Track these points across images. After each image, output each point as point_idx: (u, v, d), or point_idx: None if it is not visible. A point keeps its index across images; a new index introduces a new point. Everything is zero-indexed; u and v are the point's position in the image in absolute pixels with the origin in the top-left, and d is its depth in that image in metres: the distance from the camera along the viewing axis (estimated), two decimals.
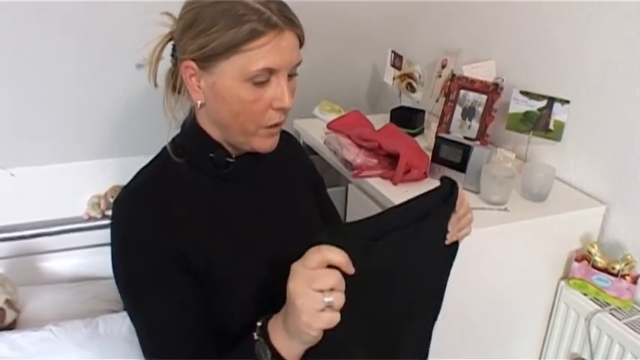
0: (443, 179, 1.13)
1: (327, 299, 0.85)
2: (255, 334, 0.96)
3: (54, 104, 2.20)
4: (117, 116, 2.31)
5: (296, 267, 0.88)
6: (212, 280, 1.09)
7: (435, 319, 1.28)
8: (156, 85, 1.11)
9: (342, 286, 0.87)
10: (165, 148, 1.14)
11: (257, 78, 1.01)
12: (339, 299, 0.86)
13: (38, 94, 2.15)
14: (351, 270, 0.88)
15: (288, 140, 1.33)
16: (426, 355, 1.32)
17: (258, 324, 0.97)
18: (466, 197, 1.16)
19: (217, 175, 1.14)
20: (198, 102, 1.07)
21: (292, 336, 0.91)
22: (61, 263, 2.44)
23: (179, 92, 1.12)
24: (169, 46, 1.10)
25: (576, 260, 1.74)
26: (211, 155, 1.12)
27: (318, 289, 0.85)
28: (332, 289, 0.85)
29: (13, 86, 2.08)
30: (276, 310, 0.96)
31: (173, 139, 1.15)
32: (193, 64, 1.03)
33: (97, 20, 2.01)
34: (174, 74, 1.11)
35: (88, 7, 1.96)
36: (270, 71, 1.02)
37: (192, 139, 1.14)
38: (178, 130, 1.16)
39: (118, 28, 1.99)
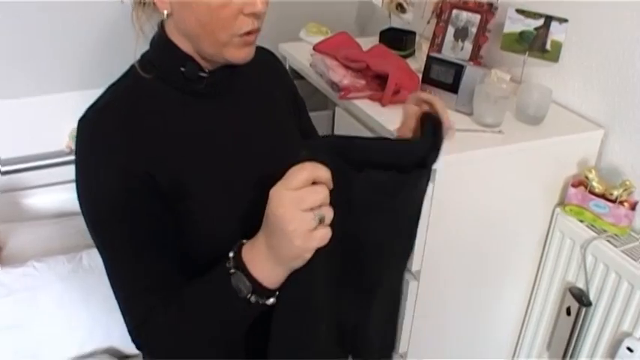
0: (425, 117, 1.08)
1: (318, 215, 0.82)
2: (230, 267, 0.90)
3: (30, 35, 2.11)
4: (97, 45, 2.22)
5: (279, 191, 0.83)
6: (183, 203, 1.02)
7: (405, 264, 1.21)
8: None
9: (328, 199, 0.83)
10: (132, 66, 1.05)
11: None
12: (329, 212, 0.83)
13: (14, 24, 2.07)
14: (331, 185, 0.84)
15: (268, 57, 1.26)
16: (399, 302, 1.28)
17: (231, 255, 0.90)
18: (451, 120, 1.10)
19: (189, 90, 1.06)
20: (165, 12, 0.99)
21: (280, 263, 0.86)
22: (44, 199, 2.38)
23: (146, 4, 1.03)
24: None
25: (573, 186, 1.67)
26: (182, 69, 1.04)
27: (307, 208, 0.81)
28: (320, 205, 0.82)
29: None
30: (246, 237, 0.91)
31: (142, 55, 1.07)
32: None
33: None
34: None
35: None
36: None
37: (161, 52, 1.06)
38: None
39: None
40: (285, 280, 0.90)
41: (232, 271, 0.89)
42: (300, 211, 0.81)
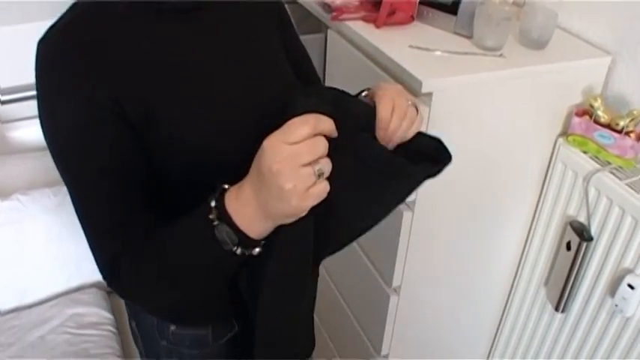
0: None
1: (317, 170, 0.77)
2: (213, 218, 0.82)
3: None
4: None
5: (276, 145, 0.76)
6: (153, 133, 0.93)
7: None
8: None
9: (327, 150, 0.78)
10: None
11: None
12: (327, 165, 0.79)
13: None
14: (335, 134, 0.80)
15: None
16: None
17: (212, 204, 0.83)
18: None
19: (159, 7, 0.95)
20: None
21: (271, 219, 0.81)
22: (29, 132, 2.30)
23: None
24: None
25: (577, 115, 1.58)
26: None
27: (306, 163, 0.76)
28: (318, 158, 0.77)
29: None
30: (224, 174, 0.85)
31: None
32: None
33: None
34: None
35: None
36: None
37: None
38: None
39: None
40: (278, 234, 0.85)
41: (216, 222, 0.83)
42: (298, 168, 0.75)
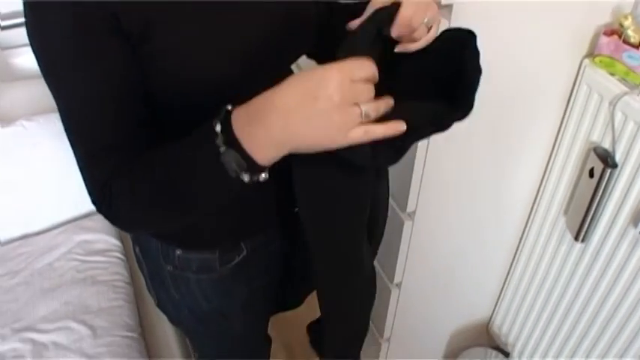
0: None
1: (365, 112, 0.75)
2: (220, 144, 0.76)
3: None
4: None
5: (338, 75, 0.73)
6: (151, 45, 0.86)
7: None
8: None
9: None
10: None
11: None
12: (375, 110, 0.77)
13: None
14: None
15: None
16: None
17: (218, 128, 0.77)
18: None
19: None
20: None
21: (289, 148, 0.78)
22: (32, 58, 2.23)
23: None
24: None
25: (605, 34, 1.49)
26: None
27: (355, 103, 0.74)
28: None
29: None
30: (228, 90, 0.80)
31: None
32: None
33: None
34: None
35: None
36: None
37: None
38: None
39: None
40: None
41: (223, 148, 0.77)
42: (354, 105, 0.74)
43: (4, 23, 2.06)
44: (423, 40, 0.95)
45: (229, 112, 0.78)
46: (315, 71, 0.74)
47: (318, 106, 0.73)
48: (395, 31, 0.93)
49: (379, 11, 0.92)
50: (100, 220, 2.17)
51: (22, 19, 2.10)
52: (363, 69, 0.75)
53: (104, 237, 2.11)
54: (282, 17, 0.97)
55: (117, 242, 2.13)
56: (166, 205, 0.89)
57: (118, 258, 2.07)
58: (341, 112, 0.73)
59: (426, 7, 0.93)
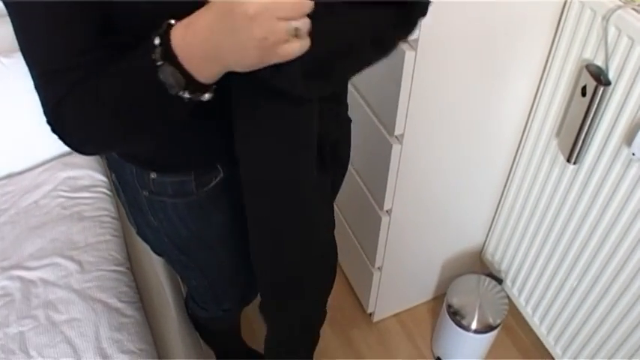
0: None
1: (295, 29, 0.70)
2: (156, 58, 0.74)
3: None
4: None
5: None
6: None
7: None
8: None
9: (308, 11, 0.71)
10: None
11: None
12: (305, 25, 0.72)
13: None
14: None
15: None
16: None
17: (156, 41, 0.74)
18: None
19: None
20: None
21: (225, 63, 0.76)
22: None
23: None
24: None
25: None
26: None
27: (286, 17, 0.69)
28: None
29: None
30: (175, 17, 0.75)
31: None
32: None
33: None
34: None
35: None
36: None
37: None
38: None
39: None
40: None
41: (160, 62, 0.75)
42: (276, 20, 0.69)
43: None
44: None
45: (170, 27, 0.75)
46: None
47: (235, 21, 0.69)
48: None
49: None
50: (85, 157, 2.13)
51: None
52: None
53: (89, 172, 2.08)
54: None
55: (102, 177, 2.09)
56: (112, 122, 0.87)
57: (104, 193, 2.04)
58: (261, 26, 0.69)
59: None
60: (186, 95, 0.78)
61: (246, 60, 0.74)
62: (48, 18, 0.82)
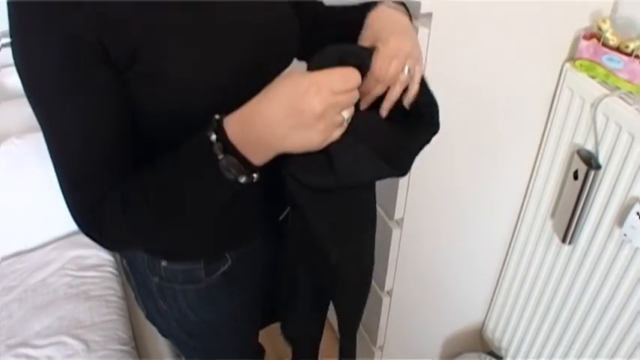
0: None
1: (347, 116, 0.82)
2: (217, 152, 0.80)
3: None
4: None
5: (322, 90, 0.77)
6: (139, 74, 0.87)
7: None
8: None
9: None
10: None
11: None
12: (351, 113, 0.83)
13: None
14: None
15: None
16: None
17: (213, 137, 0.80)
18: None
19: None
20: None
21: (283, 148, 0.83)
22: None
23: None
24: None
25: (584, 38, 1.51)
26: None
27: (340, 111, 0.80)
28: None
29: None
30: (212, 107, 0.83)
31: None
32: None
33: None
34: None
35: None
36: None
37: None
38: None
39: None
40: None
41: (221, 156, 0.81)
42: (335, 112, 0.79)
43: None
44: (401, 79, 0.95)
45: (220, 121, 0.82)
46: (300, 82, 0.78)
47: (303, 119, 0.78)
48: (365, 84, 0.93)
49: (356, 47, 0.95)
50: None
51: (7, 40, 2.11)
52: (344, 81, 0.80)
53: (97, 252, 2.12)
54: (265, 35, 0.99)
55: (109, 257, 2.14)
56: (160, 222, 0.90)
57: (111, 273, 2.08)
58: (325, 120, 0.78)
59: (405, 50, 0.94)
60: (243, 180, 0.84)
61: (304, 147, 0.82)
62: (79, 124, 0.85)
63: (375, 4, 1.03)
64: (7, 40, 2.07)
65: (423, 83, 1.01)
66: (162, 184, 0.87)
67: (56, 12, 0.80)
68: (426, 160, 1.54)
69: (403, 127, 0.98)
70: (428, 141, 1.04)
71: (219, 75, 0.92)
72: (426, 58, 1.38)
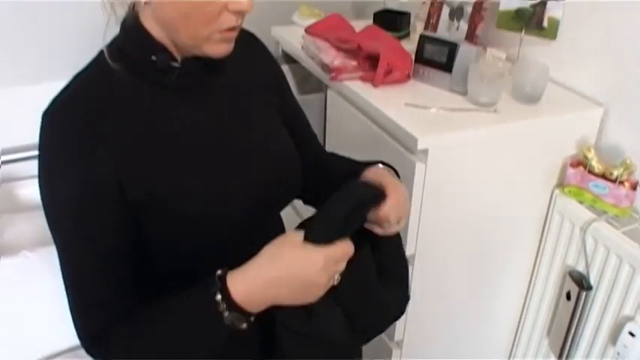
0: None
1: (337, 277, 0.96)
2: (222, 310, 0.89)
3: (23, 22, 2.07)
4: (88, 34, 2.16)
5: (320, 260, 0.90)
6: (156, 214, 0.96)
7: None
8: None
9: None
10: (101, 52, 0.97)
11: None
12: (343, 267, 0.95)
13: (5, 10, 2.03)
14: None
15: (248, 42, 1.16)
16: None
17: (218, 297, 0.89)
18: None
19: (160, 82, 0.98)
20: None
21: (279, 303, 0.92)
22: (36, 189, 2.32)
23: None
24: None
25: (571, 166, 1.62)
26: (153, 59, 0.96)
27: (335, 272, 0.94)
28: None
29: None
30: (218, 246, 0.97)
31: (111, 41, 0.98)
32: None
33: None
34: None
35: None
36: None
37: (132, 40, 0.97)
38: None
39: None
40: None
41: (227, 314, 0.89)
42: (330, 276, 0.92)
43: (9, 157, 2.18)
44: (391, 229, 1.07)
45: (223, 279, 0.90)
46: (308, 259, 0.90)
47: (310, 289, 0.92)
48: (372, 223, 1.05)
49: (366, 188, 1.03)
50: None
51: (21, 155, 2.19)
52: (344, 254, 0.93)
53: None
54: (272, 174, 1.09)
55: None
56: (163, 354, 0.96)
57: None
58: (325, 286, 0.92)
59: (403, 208, 1.06)
60: (244, 326, 0.91)
61: (304, 300, 0.93)
62: (92, 257, 0.93)
63: (373, 163, 1.15)
64: (15, 155, 2.15)
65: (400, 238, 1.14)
66: (166, 329, 0.94)
67: (76, 155, 0.91)
68: (423, 281, 1.63)
69: (378, 297, 1.09)
70: (402, 313, 1.18)
71: (230, 211, 1.01)
72: (422, 191, 1.49)
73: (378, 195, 1.02)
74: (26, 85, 2.17)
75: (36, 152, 2.23)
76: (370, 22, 2.14)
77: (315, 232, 0.92)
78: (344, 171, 1.17)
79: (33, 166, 2.28)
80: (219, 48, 0.95)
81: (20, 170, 2.27)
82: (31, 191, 2.34)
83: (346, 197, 0.97)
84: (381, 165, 1.14)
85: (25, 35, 2.11)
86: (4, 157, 2.17)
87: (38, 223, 2.27)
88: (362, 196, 1.00)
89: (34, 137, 2.13)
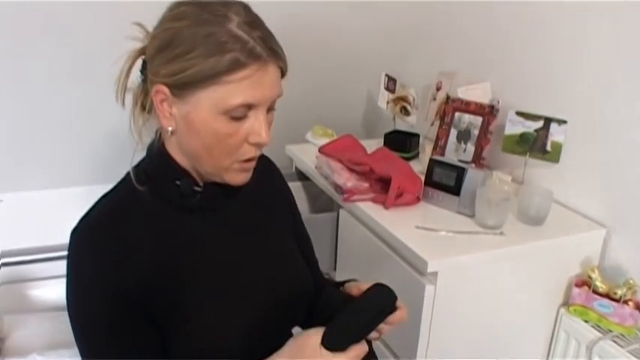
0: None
1: None
2: None
3: (46, 128, 2.16)
4: (109, 141, 2.26)
5: None
6: (178, 325, 1.02)
7: None
8: (123, 103, 1.03)
9: None
10: (128, 173, 1.05)
11: (234, 112, 0.94)
12: None
13: (29, 117, 2.13)
14: None
15: (265, 166, 1.23)
16: None
17: None
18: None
19: (183, 205, 1.05)
20: (169, 129, 0.99)
21: None
22: (49, 291, 2.37)
23: (148, 112, 1.04)
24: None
25: (576, 286, 1.68)
26: (177, 183, 1.04)
27: None
28: None
29: (4, 110, 2.08)
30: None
31: (138, 164, 1.07)
32: (166, 90, 0.95)
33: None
34: (143, 91, 1.03)
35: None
36: (249, 106, 0.95)
37: (157, 165, 1.05)
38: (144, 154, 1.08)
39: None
40: None
41: None
42: None
43: (4, 260, 2.23)
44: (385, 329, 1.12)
45: None
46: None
47: None
48: (385, 327, 1.10)
49: (385, 298, 1.07)
50: None
51: (21, 258, 2.22)
52: (358, 358, 0.99)
53: None
54: (289, 289, 1.16)
55: None
56: None
57: None
58: None
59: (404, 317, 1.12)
60: None
61: None
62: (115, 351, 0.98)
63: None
64: (11, 259, 2.20)
65: None
66: None
67: (102, 276, 0.96)
68: None
69: None
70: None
71: (247, 321, 1.07)
72: (432, 312, 1.54)
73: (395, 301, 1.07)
74: (45, 189, 2.27)
75: (51, 254, 2.30)
76: (381, 141, 2.25)
77: (336, 340, 0.98)
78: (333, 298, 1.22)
79: (45, 268, 2.34)
80: (238, 177, 1.03)
81: (34, 271, 2.32)
82: (43, 292, 2.38)
83: (369, 306, 1.03)
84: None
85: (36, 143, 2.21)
86: (17, 258, 2.24)
87: (48, 326, 2.30)
88: (384, 305, 1.05)
89: (44, 240, 2.20)
